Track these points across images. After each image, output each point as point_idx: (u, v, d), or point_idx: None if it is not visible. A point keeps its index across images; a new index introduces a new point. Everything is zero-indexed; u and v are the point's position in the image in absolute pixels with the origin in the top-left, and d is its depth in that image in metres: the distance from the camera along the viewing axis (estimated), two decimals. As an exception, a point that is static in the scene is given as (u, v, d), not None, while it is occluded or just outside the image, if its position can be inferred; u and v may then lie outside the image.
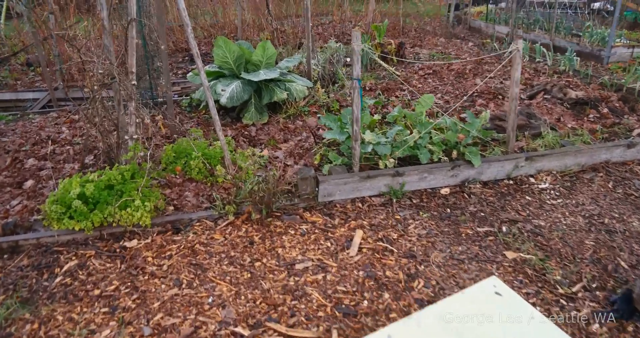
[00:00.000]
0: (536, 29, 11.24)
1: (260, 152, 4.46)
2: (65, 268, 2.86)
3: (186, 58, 9.50)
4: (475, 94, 5.68)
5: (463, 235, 3.14)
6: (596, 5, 14.08)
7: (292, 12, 11.71)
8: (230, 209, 3.35)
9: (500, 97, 5.48)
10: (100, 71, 3.46)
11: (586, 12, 12.96)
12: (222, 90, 5.24)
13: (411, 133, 3.90)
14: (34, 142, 4.71)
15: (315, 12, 12.87)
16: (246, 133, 4.92)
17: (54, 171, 4.07)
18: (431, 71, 6.95)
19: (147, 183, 3.48)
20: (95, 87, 3.49)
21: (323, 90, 5.86)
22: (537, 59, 7.63)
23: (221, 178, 3.87)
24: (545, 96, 5.30)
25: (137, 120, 3.60)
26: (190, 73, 5.81)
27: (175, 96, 6.84)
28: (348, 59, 7.09)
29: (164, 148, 4.32)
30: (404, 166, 3.83)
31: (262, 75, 5.21)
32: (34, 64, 8.21)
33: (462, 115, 5.08)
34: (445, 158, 3.75)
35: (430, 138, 3.87)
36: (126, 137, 3.59)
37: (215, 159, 4.02)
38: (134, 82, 3.52)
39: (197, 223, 3.33)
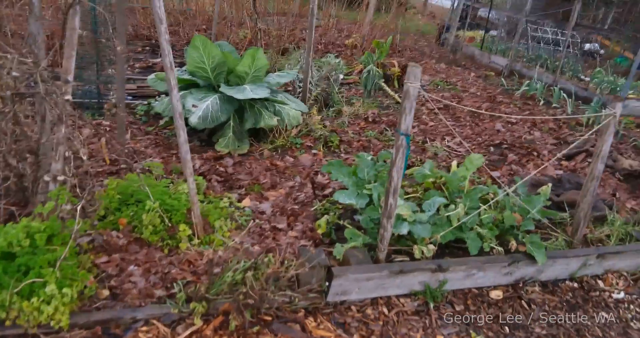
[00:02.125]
0: (537, 65, 10.87)
1: (239, 202, 3.41)
2: None
3: (147, 48, 8.24)
4: (504, 145, 4.90)
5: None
6: (587, 46, 13.99)
7: (276, 9, 10.69)
8: (198, 308, 2.29)
9: (535, 153, 4.73)
10: (15, 74, 2.32)
11: (579, 53, 12.84)
12: (192, 106, 4.15)
13: (452, 205, 3.00)
14: None
15: (300, 12, 11.92)
16: (220, 167, 3.85)
17: None
18: (442, 106, 6.16)
19: (72, 252, 2.36)
20: (3, 96, 2.34)
21: (319, 117, 4.89)
22: (554, 105, 7.05)
23: (185, 244, 2.80)
24: (588, 160, 4.60)
25: (67, 153, 2.47)
26: (152, 76, 4.67)
27: (129, 98, 5.64)
28: (341, 76, 6.16)
29: (105, 182, 3.20)
30: (445, 254, 2.93)
31: (249, 92, 4.17)
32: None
33: (494, 173, 4.27)
34: (499, 248, 2.88)
35: (479, 214, 2.99)
36: (46, 178, 2.45)
37: (178, 212, 2.94)
38: (69, 96, 2.40)
39: (144, 327, 2.25)
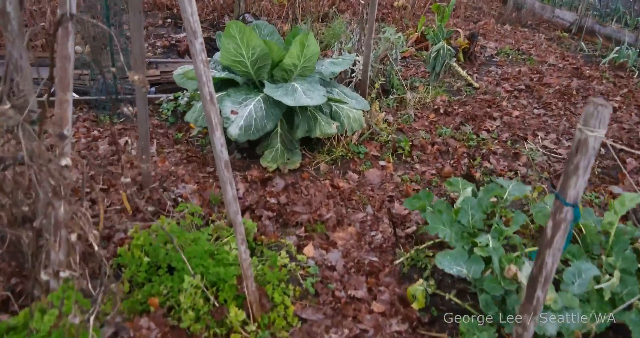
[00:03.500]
0: (613, 21, 9.43)
1: (300, 251, 2.67)
2: None
3: (168, 20, 7.36)
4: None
5: None
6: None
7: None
8: None
9: (662, 157, 3.77)
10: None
11: None
12: (231, 112, 3.36)
13: (604, 271, 2.18)
14: None
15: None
16: (270, 197, 3.09)
17: None
18: (522, 86, 5.15)
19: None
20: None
21: (382, 114, 4.01)
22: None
23: (238, 336, 2.10)
24: None
25: (72, 237, 1.74)
26: (179, 71, 3.86)
27: (152, 89, 4.87)
28: (400, 54, 5.19)
29: (131, 233, 2.52)
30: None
31: (301, 95, 3.34)
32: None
33: (614, 188, 3.38)
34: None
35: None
36: (44, 276, 1.74)
37: (226, 284, 2.23)
38: (67, 161, 1.64)
39: None
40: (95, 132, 3.83)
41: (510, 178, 3.33)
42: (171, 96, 4.51)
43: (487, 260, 2.21)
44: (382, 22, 7.51)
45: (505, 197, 2.46)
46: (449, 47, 4.56)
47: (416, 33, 6.50)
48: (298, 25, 6.58)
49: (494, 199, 2.59)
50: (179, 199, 3.09)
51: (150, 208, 2.80)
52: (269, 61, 3.56)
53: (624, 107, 4.78)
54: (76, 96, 4.64)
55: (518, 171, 3.45)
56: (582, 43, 7.19)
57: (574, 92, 5.00)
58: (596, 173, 3.60)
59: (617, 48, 6.43)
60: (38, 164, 1.60)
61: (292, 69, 3.62)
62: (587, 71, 5.85)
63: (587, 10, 9.77)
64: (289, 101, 3.28)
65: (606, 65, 6.25)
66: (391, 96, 4.69)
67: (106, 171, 3.10)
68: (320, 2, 7.61)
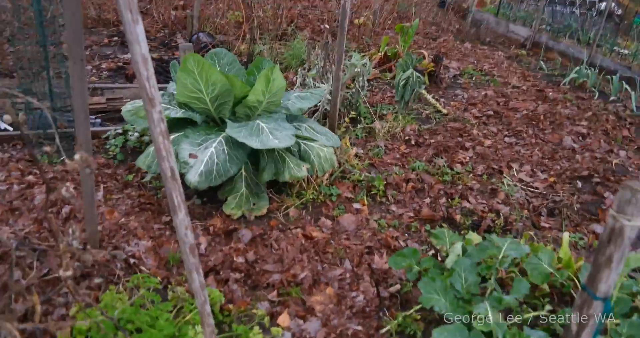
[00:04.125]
0: (565, 37, 9.71)
1: (274, 322, 2.37)
2: None
3: (115, 38, 6.86)
4: (595, 178, 3.87)
5: None
6: (602, 5, 12.83)
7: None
8: None
9: None
10: None
11: (594, 13, 11.68)
12: (190, 155, 3.02)
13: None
14: None
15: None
16: (237, 255, 2.77)
17: None
18: (490, 111, 5.07)
19: None
20: None
21: (354, 150, 3.78)
22: (612, 97, 6.01)
23: None
24: None
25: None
26: (128, 107, 3.47)
27: (96, 120, 4.44)
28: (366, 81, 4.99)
29: (73, 313, 2.15)
30: None
31: (268, 137, 3.05)
32: None
33: (595, 227, 3.28)
34: None
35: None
36: None
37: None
38: None
39: None
40: (31, 177, 3.38)
41: (493, 221, 3.16)
42: (119, 129, 4.09)
43: (488, 334, 1.99)
44: (362, 56, 7.34)
45: (500, 257, 2.26)
46: (418, 75, 4.40)
47: (379, 54, 6.35)
48: (257, 44, 6.29)
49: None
50: (131, 259, 2.71)
51: (96, 280, 2.41)
52: (231, 97, 3.25)
53: (592, 133, 4.78)
54: (9, 128, 4.14)
55: (500, 212, 3.29)
56: (542, 62, 7.28)
57: (542, 117, 4.97)
58: (575, 208, 3.51)
59: (577, 68, 6.53)
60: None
61: (256, 105, 3.33)
62: (551, 93, 5.87)
63: (540, 25, 10.04)
64: (254, 144, 2.98)
65: (567, 85, 6.32)
66: (359, 126, 4.47)
67: (42, 232, 2.68)
68: (278, 20, 7.35)
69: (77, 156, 1.42)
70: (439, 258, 2.80)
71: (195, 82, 3.10)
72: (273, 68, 3.20)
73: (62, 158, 3.81)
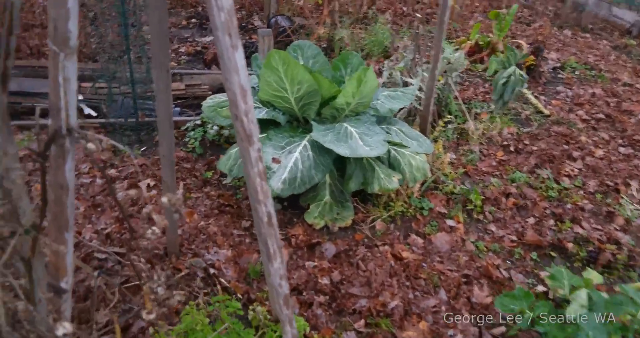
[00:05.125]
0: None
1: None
2: None
3: (193, 20, 6.81)
4: None
5: None
6: None
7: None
8: None
9: None
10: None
11: None
12: (273, 160, 2.84)
13: None
14: None
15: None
16: (321, 275, 2.57)
17: None
18: (601, 114, 4.51)
19: None
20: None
21: (447, 156, 3.44)
22: None
23: None
24: None
25: None
26: (209, 102, 3.34)
27: (176, 109, 4.37)
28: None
29: (153, 333, 2.05)
30: None
31: (358, 144, 2.79)
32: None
33: None
34: None
35: None
36: None
37: None
38: (66, 330, 1.14)
39: None
40: (113, 171, 3.35)
41: (614, 255, 2.75)
42: (198, 121, 4.00)
43: None
44: (426, 24, 6.87)
45: (638, 316, 1.90)
46: (521, 72, 3.94)
47: (469, 42, 5.85)
48: (337, 29, 5.99)
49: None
50: (211, 269, 2.60)
51: (177, 297, 2.30)
52: (318, 97, 3.01)
53: None
54: (93, 113, 4.17)
55: (620, 242, 2.86)
56: (656, 55, 6.45)
57: (664, 123, 4.35)
58: None
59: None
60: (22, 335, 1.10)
61: (344, 107, 3.08)
62: (670, 93, 5.16)
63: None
64: (342, 151, 2.73)
65: (689, 84, 5.53)
66: (449, 126, 4.10)
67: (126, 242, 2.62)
68: (359, 1, 6.98)
69: (164, 199, 1.27)
70: (551, 296, 2.46)
71: (279, 81, 2.89)
72: (366, 70, 2.92)
73: (142, 149, 3.79)
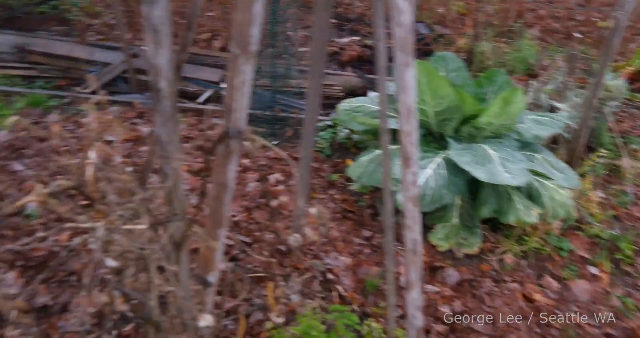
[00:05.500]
0: None
1: None
2: None
3: (332, 21, 6.93)
4: None
5: None
6: None
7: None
8: None
9: None
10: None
11: None
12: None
13: None
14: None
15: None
16: (440, 295, 2.44)
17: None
18: None
19: None
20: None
21: (596, 197, 3.10)
22: None
23: None
24: None
25: None
26: (345, 105, 3.35)
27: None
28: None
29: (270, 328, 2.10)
30: None
31: (498, 171, 2.60)
32: None
33: None
34: None
35: None
36: None
37: None
38: (208, 322, 1.17)
39: None
40: (246, 161, 3.50)
41: None
42: (329, 122, 4.04)
43: None
44: (579, 45, 6.30)
45: None
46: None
47: (629, 68, 5.24)
48: (478, 43, 5.72)
49: None
50: (329, 275, 2.59)
51: (294, 297, 2.33)
52: (458, 114, 2.87)
53: None
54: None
55: None
56: None
57: None
58: None
59: None
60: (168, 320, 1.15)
61: (485, 128, 2.90)
62: None
63: None
64: (480, 174, 2.57)
65: None
66: (599, 160, 3.69)
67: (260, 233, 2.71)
68: (505, 14, 6.60)
69: (313, 210, 1.28)
70: None
71: (420, 93, 2.80)
72: (516, 91, 2.72)
73: (274, 142, 3.92)
